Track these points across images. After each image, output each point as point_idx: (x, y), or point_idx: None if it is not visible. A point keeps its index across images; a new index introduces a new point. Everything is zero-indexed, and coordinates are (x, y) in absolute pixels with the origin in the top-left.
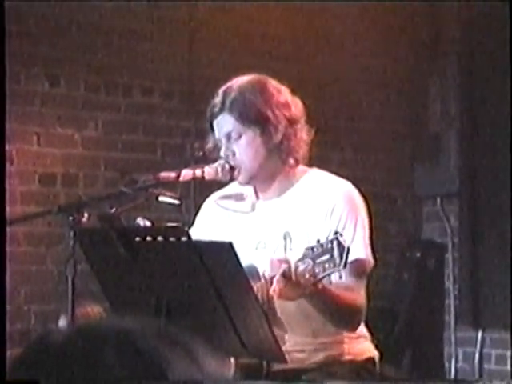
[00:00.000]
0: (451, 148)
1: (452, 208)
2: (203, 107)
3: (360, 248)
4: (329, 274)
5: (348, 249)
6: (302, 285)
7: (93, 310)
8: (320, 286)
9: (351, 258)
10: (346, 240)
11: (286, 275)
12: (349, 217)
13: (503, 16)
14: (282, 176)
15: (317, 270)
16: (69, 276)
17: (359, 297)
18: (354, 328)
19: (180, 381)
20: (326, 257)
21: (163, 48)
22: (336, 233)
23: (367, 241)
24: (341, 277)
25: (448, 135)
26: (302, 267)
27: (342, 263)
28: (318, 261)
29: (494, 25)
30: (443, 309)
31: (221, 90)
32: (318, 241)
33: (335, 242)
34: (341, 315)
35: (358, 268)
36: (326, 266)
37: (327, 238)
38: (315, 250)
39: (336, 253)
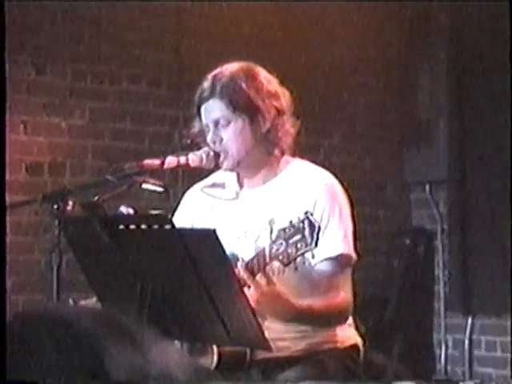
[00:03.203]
0: (440, 135)
1: (441, 194)
2: (191, 95)
3: (343, 243)
4: (302, 254)
5: (319, 227)
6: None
7: None
8: (303, 305)
9: (335, 253)
10: (316, 219)
11: (248, 267)
12: (331, 211)
13: (493, 4)
14: (266, 165)
15: (289, 251)
16: (54, 265)
17: (344, 295)
18: (342, 324)
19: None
20: (298, 237)
21: (151, 36)
22: (306, 212)
23: (350, 235)
24: (313, 256)
25: (437, 122)
26: (275, 249)
27: (314, 242)
28: (290, 241)
29: (484, 12)
30: (433, 295)
31: (210, 75)
32: (291, 222)
33: (306, 222)
34: (328, 321)
35: (341, 263)
36: (299, 245)
37: (298, 217)
38: (287, 230)
39: (307, 232)
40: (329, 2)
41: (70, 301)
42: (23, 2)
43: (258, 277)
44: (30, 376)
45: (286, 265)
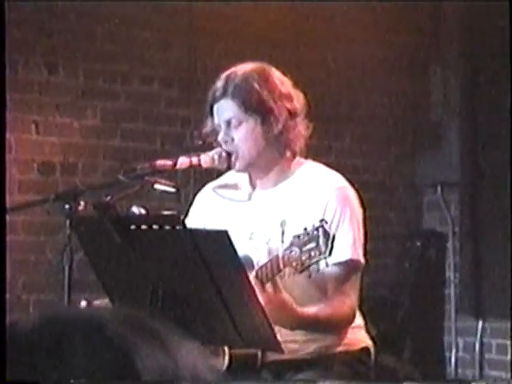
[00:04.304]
0: (452, 137)
1: (453, 197)
2: (203, 96)
3: (352, 248)
4: (315, 262)
5: (333, 236)
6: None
7: None
8: (309, 314)
9: (343, 258)
10: (331, 227)
11: (258, 275)
12: (341, 216)
13: (504, 7)
14: (278, 167)
15: (303, 258)
16: (65, 265)
17: (349, 303)
18: (346, 328)
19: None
20: (312, 244)
21: (163, 36)
22: (321, 220)
23: (359, 240)
24: (327, 265)
25: (449, 124)
26: (289, 255)
27: (328, 250)
28: (304, 249)
29: (496, 13)
30: (444, 298)
31: (224, 75)
32: (305, 229)
33: (321, 230)
34: (332, 329)
35: (350, 268)
36: (312, 253)
37: (313, 225)
38: (301, 237)
39: (322, 240)
40: (341, 2)
41: (83, 302)
42: (35, 2)
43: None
44: (59, 381)
45: (300, 272)
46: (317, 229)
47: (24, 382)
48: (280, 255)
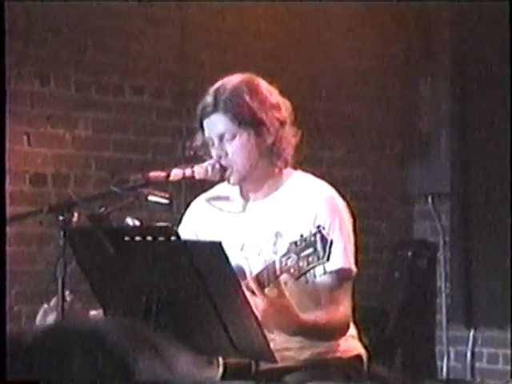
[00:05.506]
0: (442, 147)
1: (443, 207)
2: (194, 107)
3: (343, 257)
4: (313, 268)
5: (331, 241)
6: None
7: None
8: (309, 320)
9: (335, 267)
10: (328, 233)
11: (259, 278)
12: (331, 225)
13: (494, 16)
14: (270, 178)
15: (301, 264)
16: (59, 276)
17: (343, 310)
18: (342, 337)
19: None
20: (310, 250)
21: (154, 47)
22: (318, 226)
23: (350, 249)
24: (325, 270)
25: (439, 134)
26: (286, 262)
27: (326, 256)
28: (302, 255)
29: (485, 25)
30: (435, 308)
31: (212, 90)
32: (302, 235)
33: (318, 236)
34: (328, 337)
35: (342, 277)
36: (310, 259)
37: (310, 231)
38: (298, 244)
39: (319, 246)
40: (332, 14)
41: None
42: (27, 12)
43: (268, 289)
44: None
45: (296, 278)
46: (314, 235)
47: (24, 382)
48: (277, 262)
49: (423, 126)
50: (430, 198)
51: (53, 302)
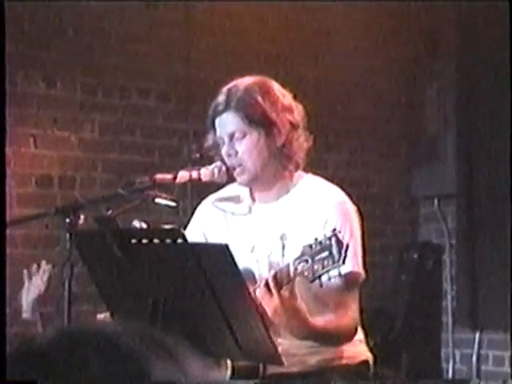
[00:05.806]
0: (448, 149)
1: (449, 209)
2: (200, 109)
3: (352, 261)
4: (328, 271)
5: (347, 245)
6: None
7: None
8: (318, 325)
9: (344, 271)
10: (344, 237)
11: (276, 277)
12: (342, 230)
13: (501, 18)
14: (280, 180)
15: (316, 267)
16: (65, 279)
17: (352, 315)
18: (349, 341)
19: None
20: (325, 254)
21: (160, 49)
22: (334, 230)
23: (359, 253)
24: (340, 274)
25: (445, 137)
26: (300, 265)
27: (342, 259)
28: (316, 258)
29: (492, 27)
30: (441, 310)
31: (225, 89)
32: (316, 239)
33: (333, 239)
34: (336, 341)
35: (351, 281)
36: (325, 262)
37: (325, 235)
38: (313, 247)
39: (335, 249)
40: (337, 17)
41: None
42: (33, 15)
43: (282, 291)
44: None
45: (311, 281)
46: (329, 238)
47: (24, 382)
48: (291, 265)
49: (429, 128)
50: (435, 201)
51: (34, 278)
